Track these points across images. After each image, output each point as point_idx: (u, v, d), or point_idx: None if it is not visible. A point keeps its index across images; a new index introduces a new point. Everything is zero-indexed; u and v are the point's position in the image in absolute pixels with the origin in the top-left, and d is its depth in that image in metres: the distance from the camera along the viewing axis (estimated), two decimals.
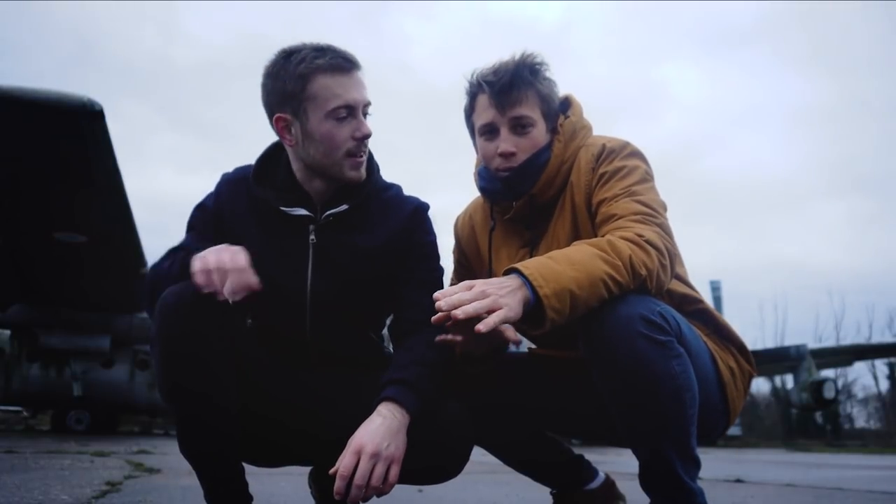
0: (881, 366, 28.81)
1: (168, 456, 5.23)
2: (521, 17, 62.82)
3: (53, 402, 12.74)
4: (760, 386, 29.66)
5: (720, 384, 1.62)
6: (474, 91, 1.70)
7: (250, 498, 1.53)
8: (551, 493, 1.97)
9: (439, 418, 1.51)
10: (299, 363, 1.64)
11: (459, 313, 1.26)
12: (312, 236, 1.60)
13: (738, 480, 4.47)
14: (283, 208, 1.60)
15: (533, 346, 1.86)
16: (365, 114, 1.57)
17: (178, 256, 1.49)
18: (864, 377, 39.19)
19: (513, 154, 1.66)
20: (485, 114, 1.67)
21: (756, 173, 50.52)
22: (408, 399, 1.44)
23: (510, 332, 1.43)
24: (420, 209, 1.71)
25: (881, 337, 26.48)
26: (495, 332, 1.30)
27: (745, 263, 47.80)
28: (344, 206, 1.61)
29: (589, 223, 1.64)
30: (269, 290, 1.44)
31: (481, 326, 1.25)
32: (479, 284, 1.32)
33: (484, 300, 1.28)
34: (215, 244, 1.42)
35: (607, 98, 49.84)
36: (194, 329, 1.37)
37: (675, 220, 1.60)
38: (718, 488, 3.78)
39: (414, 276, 1.66)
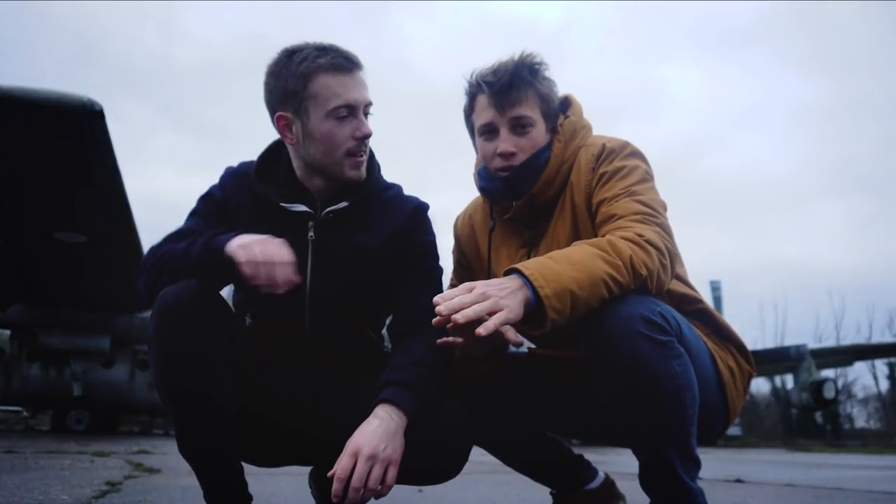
0: (881, 366, 28.83)
1: (168, 456, 5.23)
2: (520, 18, 62.94)
3: (53, 402, 12.74)
4: (760, 386, 29.68)
5: (720, 384, 1.62)
6: (474, 91, 1.70)
7: (250, 498, 1.53)
8: (551, 493, 1.97)
9: (438, 418, 1.51)
10: (299, 363, 1.64)
11: (460, 318, 1.26)
12: (311, 233, 1.61)
13: (738, 480, 4.47)
14: (282, 204, 1.60)
15: (533, 346, 1.86)
16: (366, 114, 1.57)
17: (199, 239, 1.46)
18: (864, 377, 39.25)
19: (512, 154, 1.66)
20: (484, 114, 1.67)
21: (756, 173, 50.56)
22: (405, 400, 1.44)
23: (511, 333, 1.43)
24: (420, 209, 1.71)
25: (881, 337, 26.46)
26: (496, 334, 1.30)
27: (745, 263, 47.82)
28: (344, 203, 1.61)
29: (589, 223, 1.64)
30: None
31: (481, 330, 1.25)
32: (480, 286, 1.31)
33: (484, 302, 1.27)
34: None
35: (607, 98, 49.88)
36: (194, 329, 1.37)
37: (675, 220, 1.60)
38: (718, 488, 3.78)
39: (413, 275, 1.66)
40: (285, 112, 1.56)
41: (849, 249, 47.86)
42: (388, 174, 1.74)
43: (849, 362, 23.27)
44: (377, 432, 1.38)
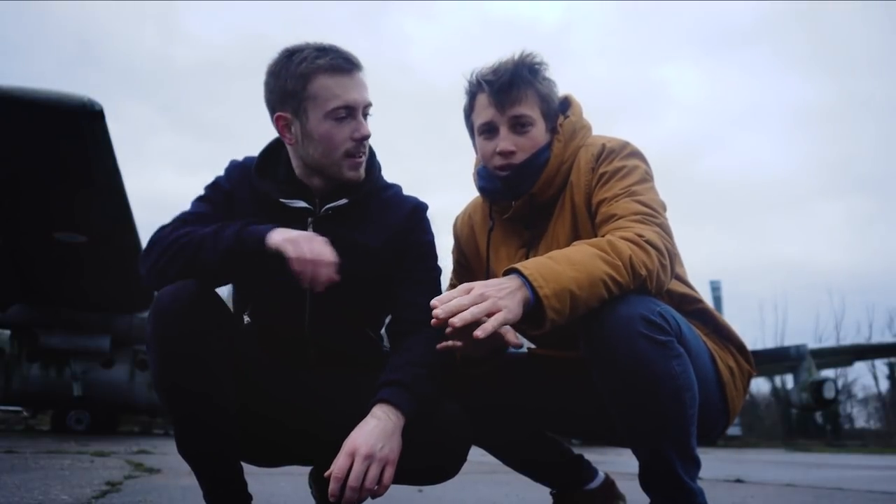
0: (881, 366, 28.84)
1: (168, 456, 5.23)
2: (520, 18, 63.00)
3: (53, 402, 12.74)
4: (760, 386, 29.69)
5: (720, 384, 1.61)
6: (474, 90, 1.70)
7: (250, 498, 1.53)
8: (551, 493, 1.97)
9: (437, 418, 1.50)
10: (298, 362, 1.64)
11: (457, 321, 1.25)
12: (310, 229, 1.60)
13: (738, 480, 4.46)
14: (282, 200, 1.60)
15: (533, 347, 1.86)
16: (365, 115, 1.57)
17: (227, 229, 1.44)
18: (864, 377, 39.30)
19: (512, 153, 1.66)
20: (484, 113, 1.67)
21: (756, 173, 50.59)
22: (402, 400, 1.44)
23: (510, 334, 1.43)
24: (419, 208, 1.71)
25: (881, 337, 26.46)
26: (495, 335, 1.30)
27: (745, 263, 47.83)
28: (343, 200, 1.61)
29: (588, 223, 1.64)
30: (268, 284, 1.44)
31: (479, 332, 1.24)
32: (478, 287, 1.31)
33: (482, 304, 1.27)
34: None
35: (607, 98, 49.94)
36: (192, 329, 1.37)
37: (675, 220, 1.60)
38: (718, 488, 3.78)
39: (411, 275, 1.66)
40: (284, 112, 1.56)
41: (849, 249, 47.93)
42: (388, 174, 1.74)
43: (849, 362, 23.28)
44: (374, 432, 1.38)
